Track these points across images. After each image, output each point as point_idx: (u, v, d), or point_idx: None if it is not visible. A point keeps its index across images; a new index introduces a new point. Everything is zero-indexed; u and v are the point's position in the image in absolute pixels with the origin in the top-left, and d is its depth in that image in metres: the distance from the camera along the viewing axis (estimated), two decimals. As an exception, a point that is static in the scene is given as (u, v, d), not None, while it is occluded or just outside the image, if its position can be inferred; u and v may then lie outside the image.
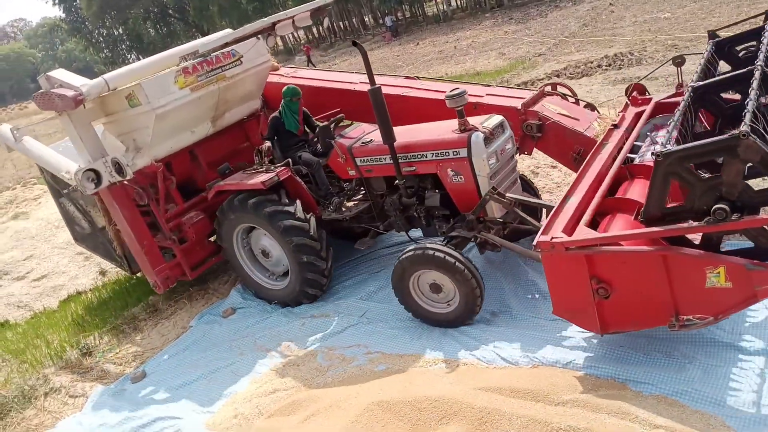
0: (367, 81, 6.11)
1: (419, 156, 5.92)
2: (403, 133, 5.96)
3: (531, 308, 5.74)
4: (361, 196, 7.01)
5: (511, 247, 5.62)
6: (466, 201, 5.84)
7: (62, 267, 11.03)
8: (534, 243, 4.26)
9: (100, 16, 62.47)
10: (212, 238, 7.82)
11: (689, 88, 4.76)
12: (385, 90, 5.85)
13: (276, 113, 7.20)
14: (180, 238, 7.42)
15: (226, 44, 6.37)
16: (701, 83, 4.79)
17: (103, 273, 10.24)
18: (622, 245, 4.06)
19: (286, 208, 6.43)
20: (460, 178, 5.74)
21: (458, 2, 44.37)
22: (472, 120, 5.83)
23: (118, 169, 6.66)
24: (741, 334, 4.54)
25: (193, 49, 7.29)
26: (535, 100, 6.70)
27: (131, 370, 6.82)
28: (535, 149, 6.78)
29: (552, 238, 4.20)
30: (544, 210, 6.06)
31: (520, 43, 21.98)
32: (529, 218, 5.59)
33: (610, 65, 14.37)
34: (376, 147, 6.23)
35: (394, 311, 6.23)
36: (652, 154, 3.85)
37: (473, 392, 4.46)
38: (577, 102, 7.04)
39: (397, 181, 6.11)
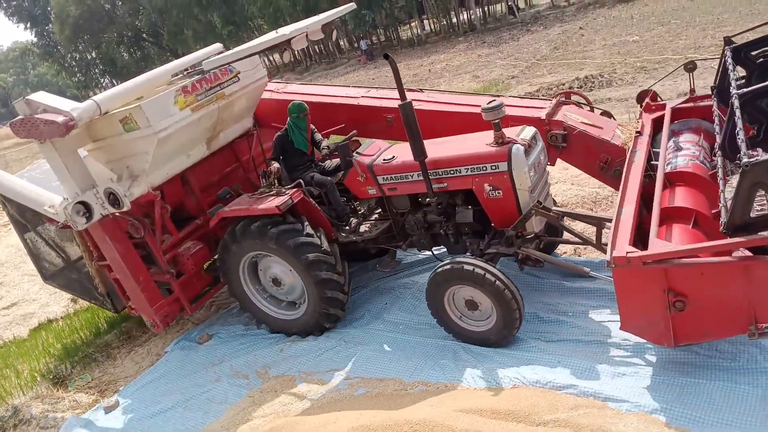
0: (370, 96, 6.02)
1: (452, 172, 5.67)
2: (430, 149, 5.61)
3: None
4: (377, 215, 6.77)
5: (556, 261, 5.52)
6: (504, 216, 5.61)
7: (32, 294, 10.80)
8: (608, 258, 4.08)
9: (73, 41, 61.95)
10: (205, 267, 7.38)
11: (735, 95, 4.39)
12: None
13: (281, 131, 6.85)
14: (177, 271, 6.90)
15: (243, 58, 5.75)
16: (747, 90, 4.49)
17: (74, 300, 10.02)
18: (699, 257, 3.95)
19: (294, 226, 6.08)
20: (498, 193, 5.50)
21: (432, 26, 44.98)
22: (505, 132, 5.58)
23: (113, 200, 6.09)
24: (718, 351, 4.58)
25: (184, 66, 6.98)
26: (555, 109, 6.45)
27: (104, 400, 6.65)
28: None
29: (627, 252, 4.04)
30: (562, 222, 5.84)
31: (493, 66, 22.30)
32: (572, 232, 5.53)
33: (581, 87, 14.62)
34: (401, 164, 5.94)
35: (373, 335, 6.19)
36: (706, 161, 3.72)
37: (454, 414, 4.43)
38: (592, 110, 6.80)
39: (427, 199, 5.89)
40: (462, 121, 6.48)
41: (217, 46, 7.70)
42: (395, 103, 6.70)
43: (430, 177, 5.70)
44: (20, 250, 12.11)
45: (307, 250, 5.99)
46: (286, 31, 5.52)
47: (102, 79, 70.81)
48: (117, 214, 6.25)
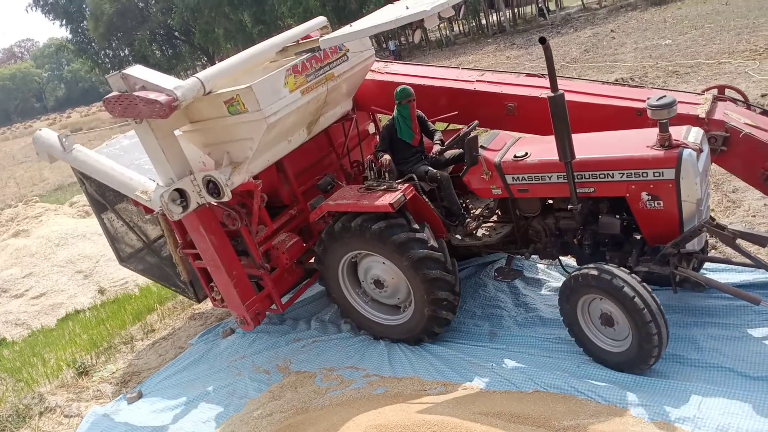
0: (486, 80, 5.57)
1: (602, 176, 4.92)
2: (575, 147, 4.78)
3: (532, 330, 5.69)
4: (496, 217, 6.06)
5: (721, 286, 4.69)
6: (661, 231, 4.84)
7: (61, 285, 11.00)
8: None
9: (107, 38, 63.06)
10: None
11: None
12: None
13: (390, 120, 6.23)
14: (270, 266, 6.35)
15: (371, 35, 5.17)
16: None
17: (101, 292, 10.21)
18: None
19: (399, 222, 5.49)
20: (658, 204, 4.74)
21: (461, 28, 44.81)
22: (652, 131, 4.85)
23: (213, 188, 5.56)
24: (742, 359, 4.50)
25: (287, 41, 6.33)
26: (712, 107, 5.57)
27: (127, 390, 6.75)
28: None
29: None
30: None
31: (521, 68, 22.14)
32: (746, 254, 4.67)
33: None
34: (538, 164, 5.22)
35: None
36: None
37: (473, 416, 4.40)
38: (749, 107, 5.83)
39: (568, 205, 5.10)
40: (606, 116, 5.68)
41: (322, 19, 6.99)
42: (518, 90, 6.16)
43: (575, 181, 4.94)
44: (50, 242, 12.37)
45: (414, 246, 5.42)
46: (421, 6, 4.75)
47: (134, 76, 71.83)
48: (214, 203, 5.82)
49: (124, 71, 5.24)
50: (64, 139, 6.25)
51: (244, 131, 5.51)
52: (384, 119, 6.22)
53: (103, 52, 67.70)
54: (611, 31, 25.56)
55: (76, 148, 6.34)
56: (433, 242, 5.52)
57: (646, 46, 19.60)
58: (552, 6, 40.03)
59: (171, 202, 5.41)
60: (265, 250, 6.24)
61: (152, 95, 4.96)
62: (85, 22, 65.36)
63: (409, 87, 6.08)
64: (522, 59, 24.66)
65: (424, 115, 6.30)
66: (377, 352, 5.97)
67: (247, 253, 6.25)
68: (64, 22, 66.17)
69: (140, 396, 6.50)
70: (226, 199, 5.55)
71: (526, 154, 5.33)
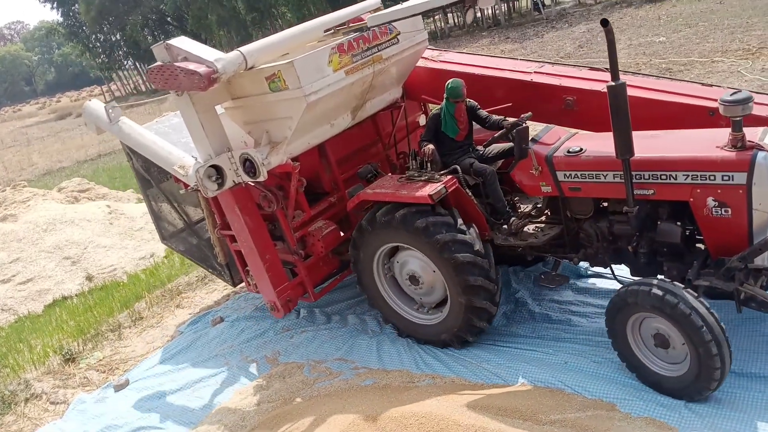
0: (544, 71, 5.24)
1: (664, 177, 4.46)
2: (635, 144, 4.34)
3: (521, 325, 5.71)
4: (544, 218, 5.61)
5: None
6: (727, 241, 4.36)
7: (48, 271, 10.92)
8: None
9: (99, 22, 62.53)
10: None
11: None
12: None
13: (437, 110, 5.88)
14: (305, 253, 6.14)
15: (418, 13, 4.95)
16: None
17: (89, 278, 10.15)
18: None
19: (445, 219, 5.15)
20: (726, 211, 4.27)
21: (456, 20, 44.72)
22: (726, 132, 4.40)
23: (249, 167, 5.37)
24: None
25: (339, 21, 6.04)
26: None
27: (114, 378, 6.72)
28: None
29: None
30: None
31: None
32: None
33: (604, 87, 14.47)
34: (592, 159, 4.80)
35: (383, 326, 6.19)
36: None
37: (460, 409, 4.41)
38: None
39: (624, 207, 4.60)
40: (674, 115, 5.23)
41: (376, 1, 6.65)
42: (579, 83, 5.74)
43: (633, 181, 4.51)
44: (38, 227, 12.26)
45: (458, 248, 5.05)
46: None
47: (125, 61, 71.37)
48: (251, 183, 5.62)
49: (168, 41, 5.14)
50: (110, 111, 6.22)
51: (284, 109, 5.33)
52: (435, 108, 5.98)
53: (94, 36, 67.14)
54: (605, 27, 25.54)
55: (122, 121, 6.31)
56: (478, 246, 5.14)
57: (640, 42, 19.63)
58: (547, 0, 40.00)
59: (207, 178, 5.29)
60: (300, 236, 6.03)
61: (192, 66, 4.84)
62: (76, 5, 64.74)
63: (461, 85, 5.61)
64: (516, 53, 24.63)
65: (476, 103, 5.86)
66: (366, 344, 5.97)
67: (283, 239, 6.09)
68: (55, 5, 65.54)
69: (127, 384, 6.47)
70: (261, 178, 5.36)
71: (581, 149, 4.90)
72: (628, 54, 18.15)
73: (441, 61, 6.68)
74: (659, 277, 4.53)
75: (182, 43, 5.14)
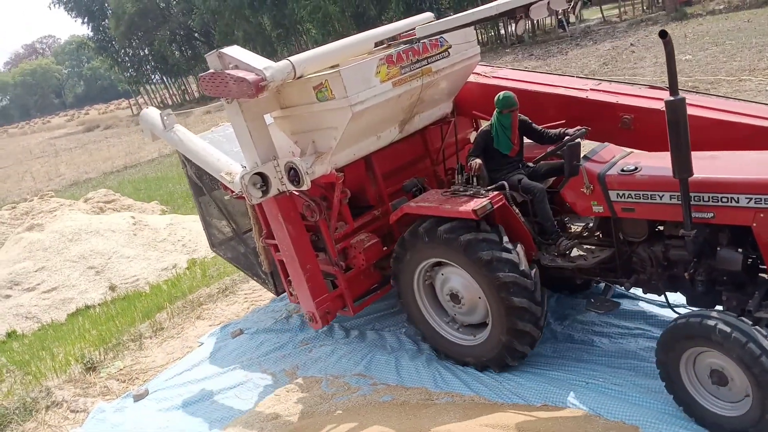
0: (600, 89, 5.15)
1: (725, 199, 4.18)
2: (694, 165, 4.10)
3: (542, 345, 5.63)
4: (595, 239, 5.32)
5: None
6: None
7: (73, 280, 11.06)
8: None
9: (128, 36, 63.80)
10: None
11: None
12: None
13: (486, 126, 5.73)
14: (346, 265, 6.07)
15: (470, 24, 4.85)
16: None
17: (112, 288, 10.26)
18: None
19: (490, 236, 4.96)
20: None
21: (479, 37, 44.86)
22: None
23: (293, 176, 5.37)
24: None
25: (390, 33, 5.98)
26: None
27: (134, 388, 6.75)
28: None
29: None
30: None
31: (539, 79, 22.08)
32: None
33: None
34: (648, 179, 4.54)
35: (403, 341, 6.16)
36: None
37: (479, 428, 4.36)
38: None
39: (680, 231, 4.35)
40: (741, 137, 4.93)
41: (428, 15, 6.62)
42: (638, 102, 5.52)
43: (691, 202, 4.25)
44: (63, 236, 12.45)
45: (502, 267, 4.84)
46: None
47: (153, 76, 72.61)
48: (294, 192, 5.63)
49: (220, 50, 5.25)
50: (165, 118, 6.39)
51: (330, 119, 5.35)
52: (485, 125, 5.80)
53: (123, 51, 68.46)
54: (631, 44, 25.45)
55: (176, 128, 6.48)
56: (524, 266, 4.92)
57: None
58: (572, 18, 39.93)
59: (252, 185, 5.33)
60: (342, 248, 5.96)
61: (242, 74, 4.93)
62: (106, 20, 66.19)
63: (512, 94, 5.47)
64: (540, 70, 24.58)
65: (528, 118, 5.68)
66: (384, 360, 5.94)
67: (325, 250, 6.05)
68: (85, 19, 67.00)
69: (147, 393, 6.49)
70: (305, 187, 5.36)
71: (636, 168, 4.65)
72: (654, 72, 18.02)
73: (493, 77, 6.57)
74: (718, 307, 4.33)
75: (234, 51, 5.24)
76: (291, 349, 6.66)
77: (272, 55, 43.20)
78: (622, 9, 37.97)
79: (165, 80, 72.13)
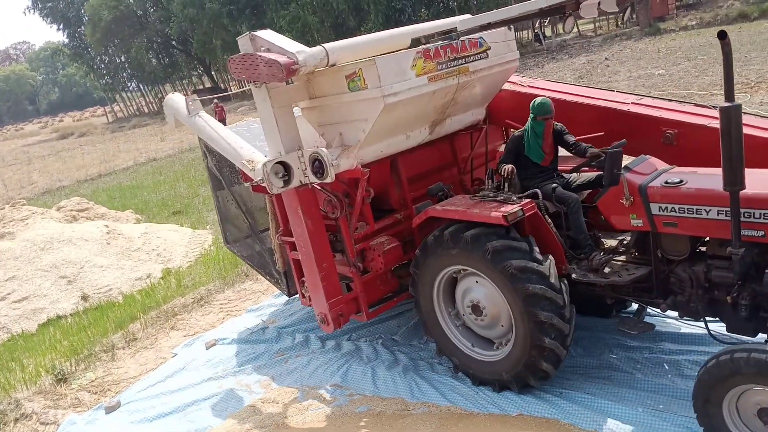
0: (643, 103, 4.91)
1: None
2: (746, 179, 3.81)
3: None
4: (631, 256, 5.00)
5: None
6: None
7: (44, 290, 10.84)
8: None
9: (104, 43, 63.26)
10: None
11: None
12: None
13: (520, 131, 5.46)
14: (363, 267, 5.85)
15: (514, 19, 4.67)
16: None
17: (84, 298, 10.08)
18: None
19: (519, 245, 4.69)
20: None
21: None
22: None
23: (317, 167, 5.17)
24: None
25: (429, 31, 5.76)
26: None
27: (106, 399, 6.63)
28: None
29: None
30: None
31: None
32: None
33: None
34: (694, 192, 4.26)
35: (380, 352, 6.14)
36: None
37: (455, 439, 4.36)
38: None
39: (728, 249, 4.05)
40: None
41: (466, 17, 6.31)
42: (682, 117, 5.28)
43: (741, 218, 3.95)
44: (35, 245, 12.22)
45: (531, 278, 4.56)
46: None
47: (129, 83, 72.02)
48: (317, 185, 5.45)
49: (253, 32, 5.19)
50: (190, 103, 6.29)
51: (360, 111, 5.20)
52: (517, 131, 5.62)
53: (99, 58, 67.90)
54: (605, 59, 25.88)
55: (200, 114, 6.36)
56: (554, 279, 4.63)
57: (640, 75, 19.85)
58: (548, 32, 40.47)
59: (273, 174, 5.18)
60: (361, 249, 5.75)
61: (273, 56, 4.82)
62: (82, 27, 65.60)
63: (549, 101, 5.20)
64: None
65: (564, 127, 5.37)
66: (361, 371, 5.91)
67: (343, 251, 5.86)
68: (61, 26, 66.43)
69: (119, 405, 6.37)
70: (329, 180, 5.13)
71: (682, 180, 4.38)
72: (627, 86, 18.33)
73: (529, 86, 6.41)
74: (761, 336, 4.12)
75: (267, 35, 5.15)
76: (266, 359, 6.60)
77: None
78: (597, 24, 38.65)
79: (141, 88, 71.62)
